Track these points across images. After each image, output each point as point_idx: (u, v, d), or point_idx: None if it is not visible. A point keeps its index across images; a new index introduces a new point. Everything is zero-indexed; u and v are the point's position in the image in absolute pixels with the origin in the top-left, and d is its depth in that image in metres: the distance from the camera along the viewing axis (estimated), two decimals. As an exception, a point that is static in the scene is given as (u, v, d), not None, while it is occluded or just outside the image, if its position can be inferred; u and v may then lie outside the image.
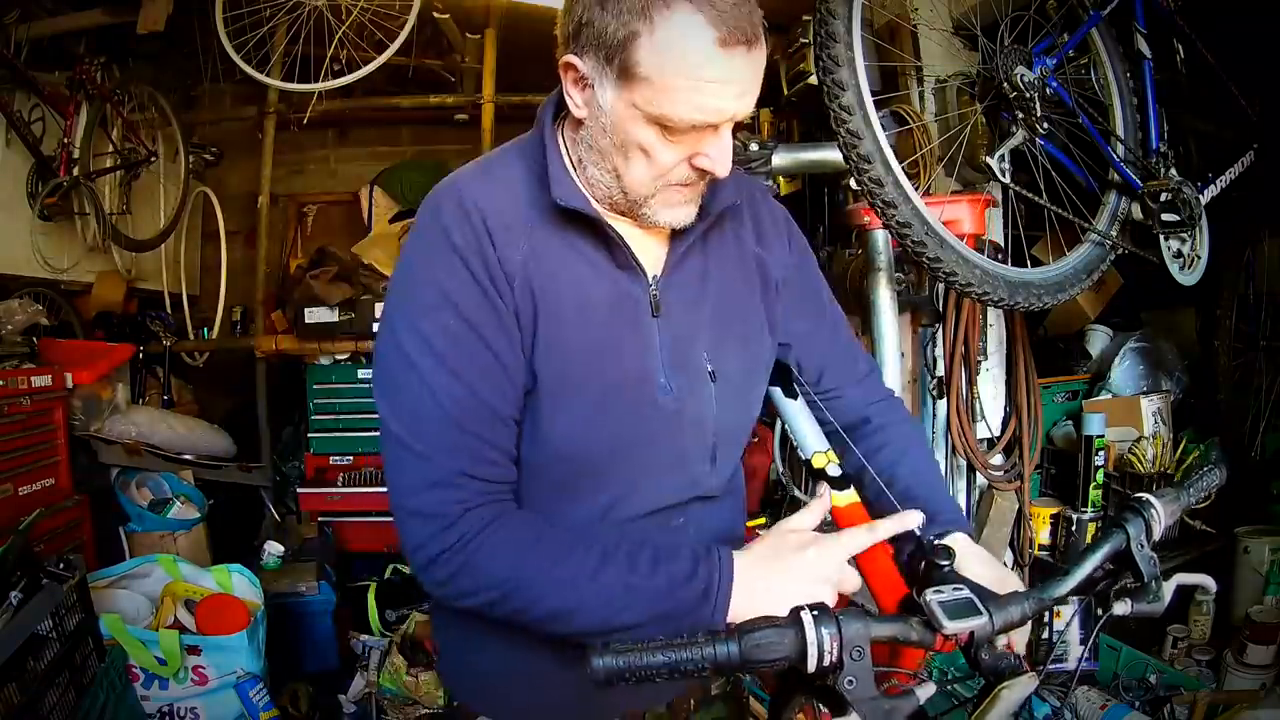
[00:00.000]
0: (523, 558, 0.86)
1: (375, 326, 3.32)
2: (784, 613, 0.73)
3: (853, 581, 0.90)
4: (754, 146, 1.52)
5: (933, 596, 0.76)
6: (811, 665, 0.71)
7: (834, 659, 0.71)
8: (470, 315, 0.87)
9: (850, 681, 0.71)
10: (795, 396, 1.31)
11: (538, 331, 0.90)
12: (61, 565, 1.70)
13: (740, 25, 0.79)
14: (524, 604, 0.87)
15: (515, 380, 0.90)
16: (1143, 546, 0.91)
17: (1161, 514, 0.93)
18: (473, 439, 0.88)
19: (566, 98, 0.89)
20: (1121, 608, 0.89)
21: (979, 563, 0.97)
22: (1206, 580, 0.98)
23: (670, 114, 0.82)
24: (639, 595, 0.85)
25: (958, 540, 0.98)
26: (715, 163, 0.86)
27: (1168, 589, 0.90)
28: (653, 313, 0.95)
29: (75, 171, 3.08)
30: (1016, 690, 0.76)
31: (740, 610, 0.84)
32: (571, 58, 0.85)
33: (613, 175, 0.90)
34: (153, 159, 3.64)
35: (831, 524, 1.04)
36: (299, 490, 3.48)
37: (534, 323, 0.89)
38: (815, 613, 0.72)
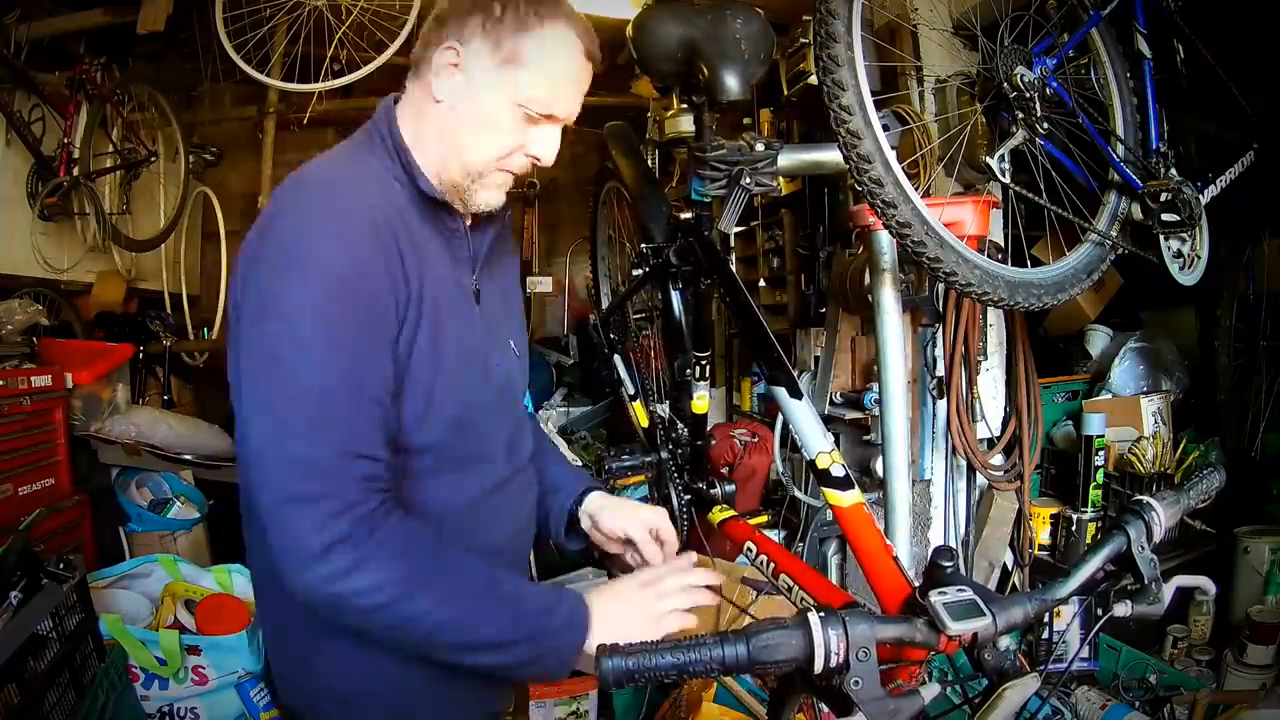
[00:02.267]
0: (428, 554, 0.90)
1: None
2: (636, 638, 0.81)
3: (683, 622, 1.02)
4: (759, 146, 1.52)
5: (937, 598, 0.77)
6: (819, 666, 0.71)
7: (840, 660, 0.71)
8: (368, 303, 0.90)
9: (856, 682, 0.71)
10: (799, 397, 1.31)
11: (422, 320, 0.96)
12: (61, 565, 1.70)
13: (595, 49, 1.02)
14: (419, 610, 0.87)
15: (390, 371, 0.93)
16: (1143, 548, 0.91)
17: (1162, 516, 0.94)
18: (364, 422, 0.89)
19: (432, 81, 1.00)
20: (1122, 609, 0.89)
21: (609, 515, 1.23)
22: (1206, 582, 0.98)
23: (539, 97, 0.98)
24: (524, 610, 0.93)
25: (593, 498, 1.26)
26: (545, 155, 1.03)
27: (1168, 590, 0.90)
28: (475, 300, 1.08)
29: (75, 171, 3.09)
30: (1019, 691, 0.77)
31: (597, 635, 0.94)
32: (454, 44, 0.98)
33: (455, 152, 1.00)
34: (153, 159, 3.64)
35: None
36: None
37: (419, 312, 0.95)
38: (822, 614, 0.72)
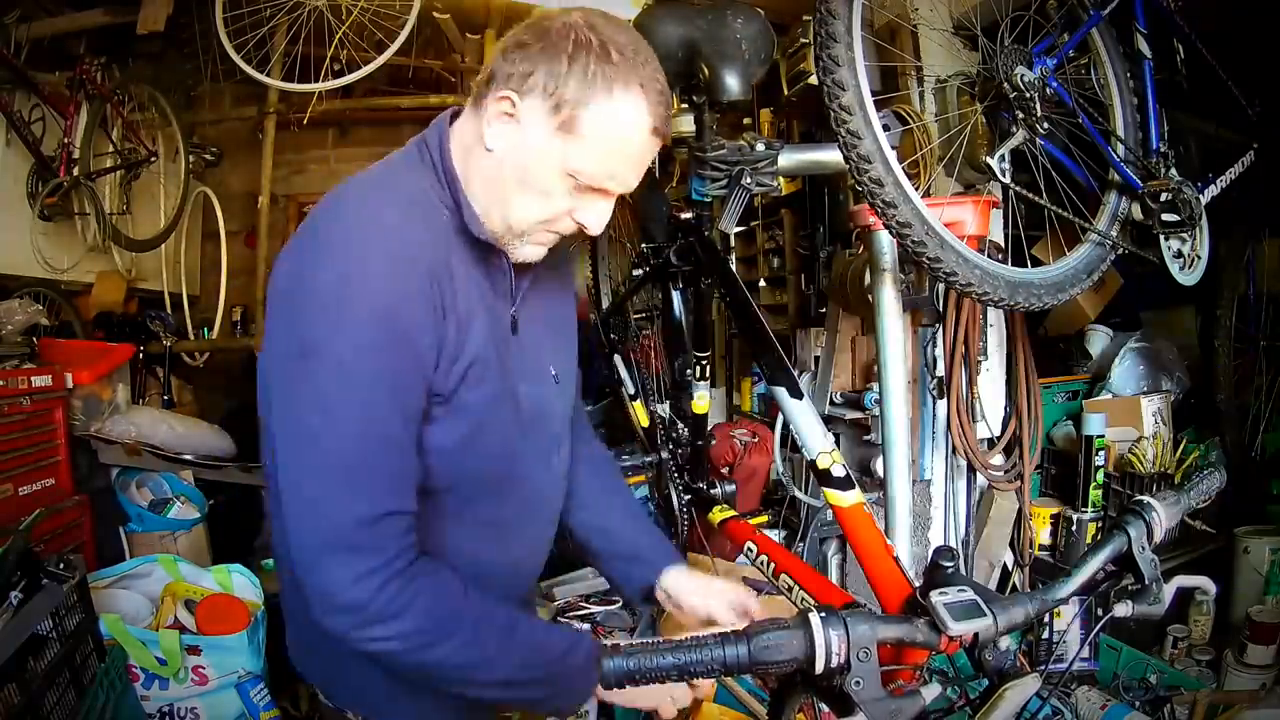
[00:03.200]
0: (458, 603, 0.91)
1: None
2: (648, 699, 0.83)
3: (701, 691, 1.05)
4: (760, 146, 1.52)
5: (938, 598, 0.77)
6: (820, 666, 0.71)
7: (841, 660, 0.71)
8: (410, 352, 0.88)
9: (857, 682, 0.72)
10: (800, 397, 1.31)
11: (457, 363, 0.94)
12: (61, 565, 1.70)
13: (664, 123, 0.94)
14: (444, 654, 0.89)
15: (420, 418, 0.93)
16: (1144, 549, 0.91)
17: (1163, 517, 0.94)
18: (401, 474, 0.89)
19: (484, 126, 0.93)
20: (1123, 609, 0.89)
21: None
22: (1206, 582, 0.98)
23: (590, 171, 0.92)
24: (544, 654, 0.94)
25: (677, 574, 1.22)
26: (593, 225, 0.98)
27: (1168, 590, 0.90)
28: (512, 331, 1.04)
29: (75, 171, 3.08)
30: (1019, 691, 0.77)
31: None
32: (512, 94, 0.90)
33: (499, 204, 0.95)
34: (153, 159, 3.64)
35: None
36: (299, 490, 3.47)
37: (460, 350, 0.94)
38: (823, 614, 0.72)
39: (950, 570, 0.83)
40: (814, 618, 0.72)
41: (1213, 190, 2.00)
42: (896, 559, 1.18)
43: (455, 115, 1.00)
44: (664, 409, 2.12)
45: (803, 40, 2.76)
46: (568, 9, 0.93)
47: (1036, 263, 1.92)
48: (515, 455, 1.05)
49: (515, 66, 0.90)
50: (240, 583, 2.29)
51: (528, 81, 0.89)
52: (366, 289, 0.85)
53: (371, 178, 0.97)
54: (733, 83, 1.45)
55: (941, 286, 2.39)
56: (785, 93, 2.92)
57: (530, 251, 1.00)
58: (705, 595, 1.19)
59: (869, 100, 1.52)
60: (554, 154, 0.91)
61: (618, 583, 1.30)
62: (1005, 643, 0.82)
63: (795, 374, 1.46)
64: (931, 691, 0.74)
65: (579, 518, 1.26)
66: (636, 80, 0.90)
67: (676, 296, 1.87)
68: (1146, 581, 0.90)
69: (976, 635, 0.76)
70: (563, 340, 1.17)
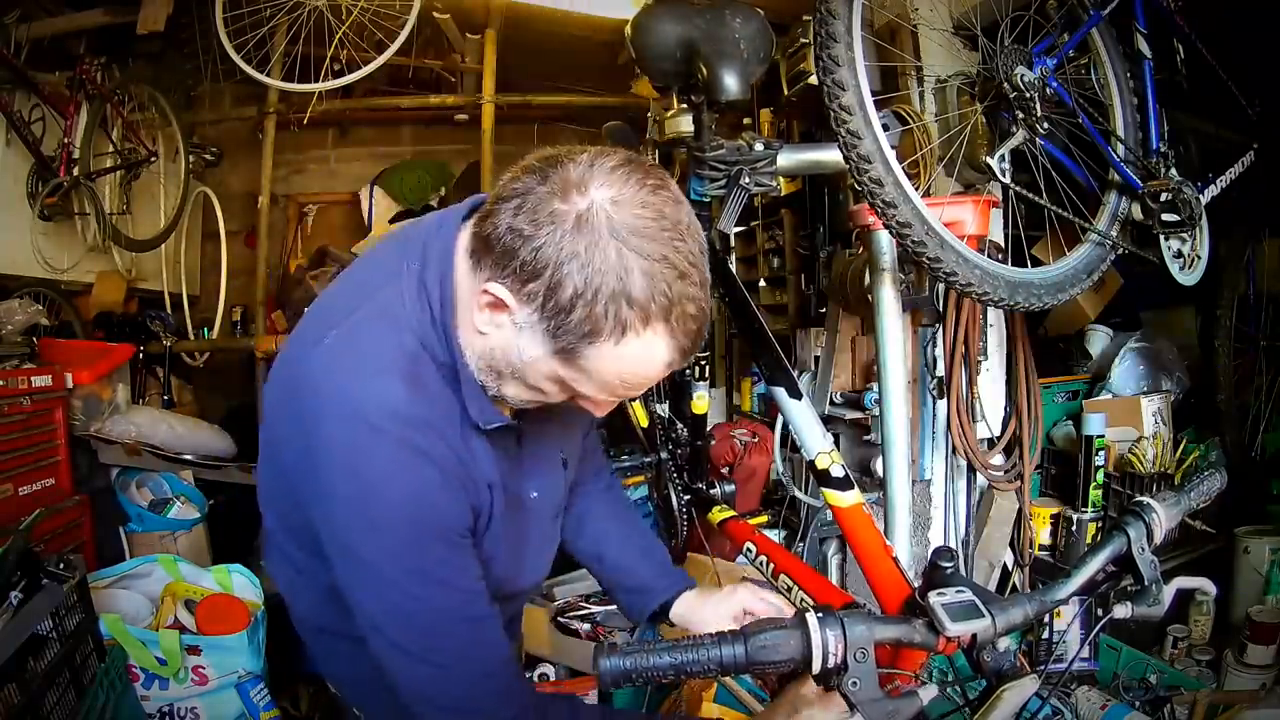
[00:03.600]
0: None
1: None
2: None
3: None
4: (759, 146, 1.52)
5: (936, 599, 0.77)
6: (816, 667, 0.71)
7: (839, 661, 0.71)
8: (454, 526, 0.88)
9: (854, 683, 0.72)
10: (799, 397, 1.31)
11: (480, 516, 0.93)
12: (61, 565, 1.70)
13: (690, 349, 0.80)
14: None
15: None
16: (1144, 550, 0.91)
17: (1162, 517, 0.93)
18: (502, 649, 0.93)
19: (474, 306, 0.82)
20: (1122, 610, 0.89)
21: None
22: (1206, 583, 0.98)
23: (589, 395, 0.84)
24: None
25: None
26: (597, 413, 0.90)
27: (1168, 591, 0.90)
28: (516, 443, 0.98)
29: (75, 171, 3.09)
30: (1018, 692, 0.77)
31: None
32: (504, 293, 0.77)
33: (491, 377, 0.86)
34: (153, 159, 3.64)
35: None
36: (299, 490, 3.48)
37: (480, 509, 0.93)
38: (820, 615, 0.72)
39: (949, 571, 0.83)
40: (811, 618, 0.72)
41: (1213, 190, 2.00)
42: (896, 559, 1.18)
43: (463, 217, 0.88)
44: (663, 409, 2.12)
45: (803, 40, 2.76)
46: (585, 151, 0.79)
47: (1036, 263, 1.92)
48: (524, 537, 1.04)
49: (516, 253, 0.75)
50: (240, 583, 2.29)
51: (526, 287, 0.76)
52: (394, 493, 0.82)
53: (365, 338, 0.85)
54: (731, 82, 1.45)
55: (941, 286, 2.38)
56: (785, 93, 2.92)
57: (519, 403, 0.90)
58: (715, 613, 1.17)
59: (869, 100, 1.51)
60: (551, 368, 0.81)
61: (626, 611, 1.29)
62: (1004, 643, 0.82)
63: (794, 374, 1.45)
64: (929, 692, 0.74)
65: (587, 549, 1.26)
66: (662, 317, 0.75)
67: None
68: (1146, 582, 0.90)
69: (975, 636, 0.76)
70: (572, 419, 1.07)
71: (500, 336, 0.81)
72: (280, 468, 0.92)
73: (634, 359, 0.77)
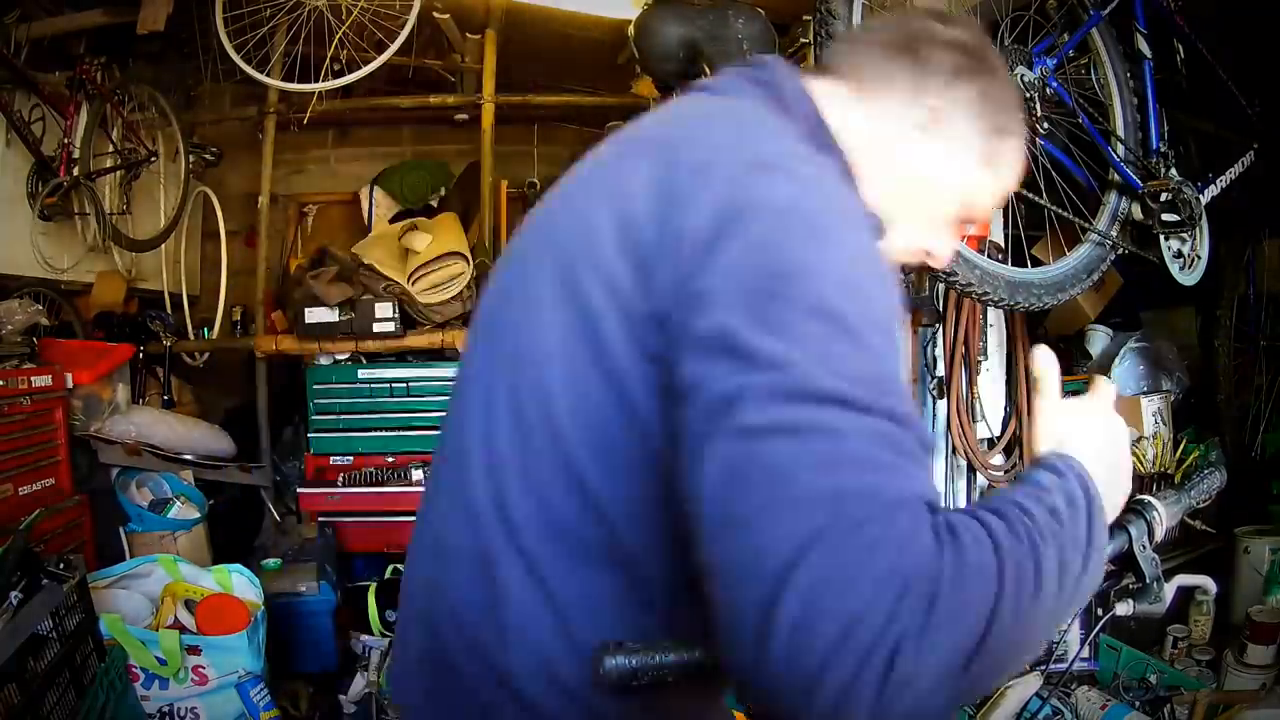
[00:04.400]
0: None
1: (377, 326, 3.33)
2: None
3: None
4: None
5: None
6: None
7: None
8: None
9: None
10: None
11: None
12: (61, 565, 1.70)
13: None
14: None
15: None
16: (1145, 548, 0.91)
17: (1163, 516, 0.93)
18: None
19: (891, 120, 0.76)
20: (1123, 608, 0.89)
21: None
22: (1207, 581, 0.98)
23: (986, 206, 0.83)
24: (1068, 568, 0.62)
25: None
26: (943, 258, 0.87)
27: (1169, 590, 0.90)
28: None
29: (75, 171, 3.08)
30: (1019, 690, 0.76)
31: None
32: (941, 104, 0.75)
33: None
34: (153, 159, 3.64)
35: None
36: (299, 490, 3.47)
37: None
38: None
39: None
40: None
41: (1213, 190, 2.00)
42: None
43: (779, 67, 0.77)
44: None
45: (803, 40, 2.76)
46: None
47: (1036, 263, 1.93)
48: None
49: (937, 65, 0.75)
50: (240, 583, 2.29)
51: (957, 90, 0.75)
52: (847, 227, 0.63)
53: (770, 125, 0.70)
54: (732, 82, 1.45)
55: (941, 286, 2.39)
56: (785, 93, 2.92)
57: None
58: None
59: (869, 100, 1.51)
60: (968, 186, 0.79)
61: None
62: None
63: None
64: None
65: None
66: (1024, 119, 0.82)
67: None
68: (1147, 580, 0.90)
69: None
70: None
71: (922, 156, 0.78)
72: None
73: (1020, 154, 0.82)
